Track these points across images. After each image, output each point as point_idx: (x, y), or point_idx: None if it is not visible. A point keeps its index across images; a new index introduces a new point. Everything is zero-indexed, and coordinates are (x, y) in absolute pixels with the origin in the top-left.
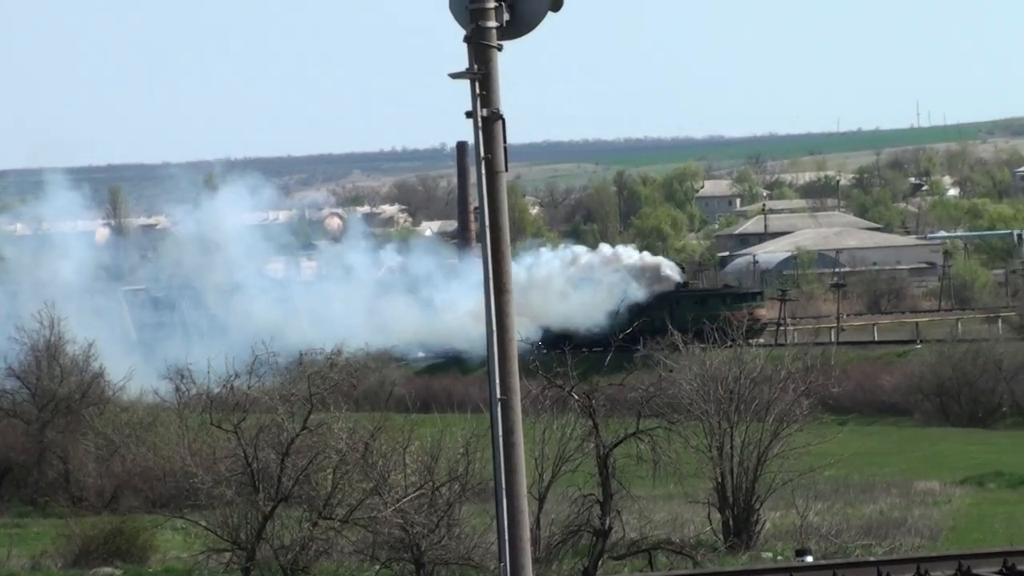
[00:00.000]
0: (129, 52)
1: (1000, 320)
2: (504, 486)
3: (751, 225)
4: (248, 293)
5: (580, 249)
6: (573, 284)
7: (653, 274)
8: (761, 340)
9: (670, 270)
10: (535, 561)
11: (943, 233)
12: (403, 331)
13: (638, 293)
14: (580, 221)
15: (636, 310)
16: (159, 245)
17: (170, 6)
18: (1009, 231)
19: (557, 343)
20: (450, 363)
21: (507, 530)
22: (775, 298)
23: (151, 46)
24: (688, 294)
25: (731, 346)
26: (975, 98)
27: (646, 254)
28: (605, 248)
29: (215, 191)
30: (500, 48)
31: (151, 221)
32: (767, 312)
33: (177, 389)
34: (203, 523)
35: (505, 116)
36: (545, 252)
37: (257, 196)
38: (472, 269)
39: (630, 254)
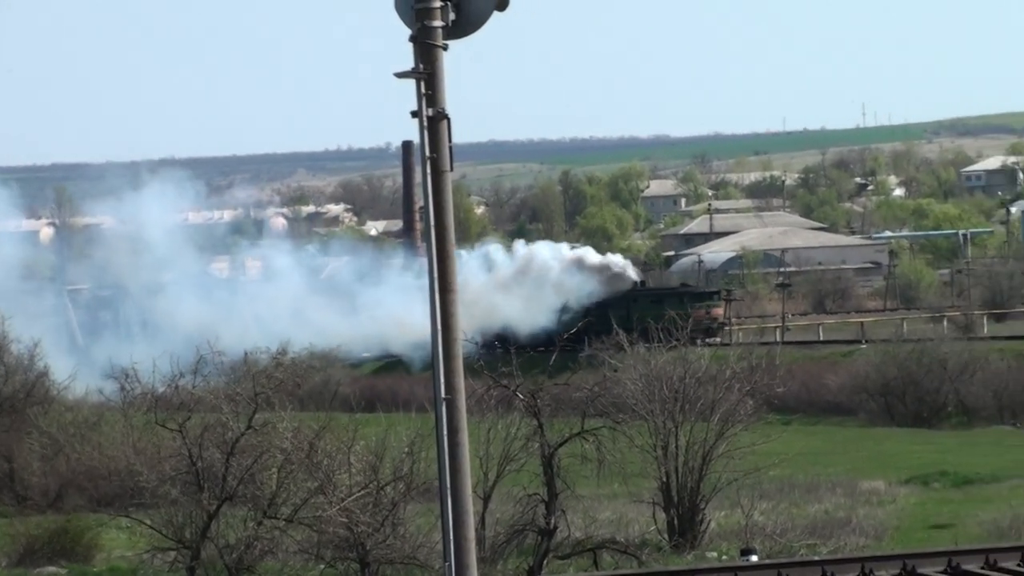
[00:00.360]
0: (73, 49)
1: (945, 320)
2: (449, 485)
3: (696, 225)
4: (191, 293)
5: (539, 246)
6: (527, 283)
7: (609, 273)
8: (718, 339)
9: (627, 269)
10: (480, 560)
11: (888, 233)
12: (340, 333)
13: (594, 292)
14: (525, 221)
15: (592, 309)
16: (102, 244)
17: (119, 4)
18: (954, 231)
19: (503, 342)
20: (395, 363)
21: (452, 529)
22: (721, 298)
23: (95, 43)
24: (645, 293)
25: (683, 345)
26: (921, 98)
27: (590, 251)
28: (563, 247)
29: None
30: (446, 48)
31: (95, 220)
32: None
33: (122, 388)
34: (148, 522)
35: (450, 115)
36: (497, 250)
37: (199, 195)
38: (393, 273)
39: (588, 253)
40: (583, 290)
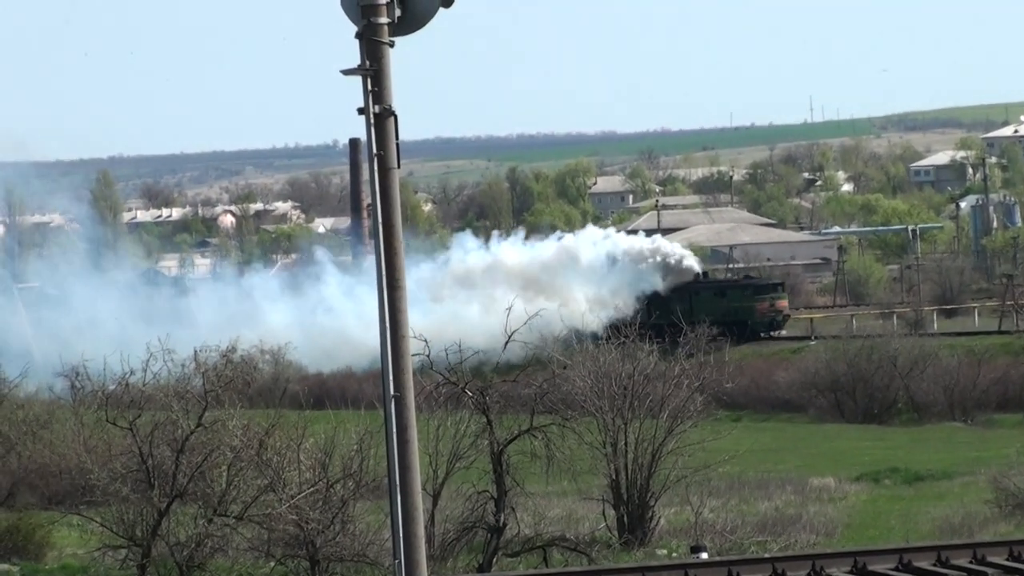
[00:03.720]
0: (18, 48)
1: (895, 316)
2: (398, 483)
3: (644, 221)
4: (141, 290)
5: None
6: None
7: (671, 264)
8: (783, 332)
9: (690, 260)
10: (430, 558)
11: (837, 229)
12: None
13: (657, 283)
14: (473, 217)
15: (653, 301)
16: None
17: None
18: (903, 227)
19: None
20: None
21: (402, 527)
22: (784, 290)
23: (39, 42)
24: (708, 285)
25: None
26: (869, 93)
27: (661, 240)
28: (632, 236)
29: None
30: (392, 44)
31: (44, 219)
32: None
33: (73, 386)
34: (99, 520)
35: (397, 112)
36: (575, 234)
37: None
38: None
39: (652, 242)
40: (645, 282)
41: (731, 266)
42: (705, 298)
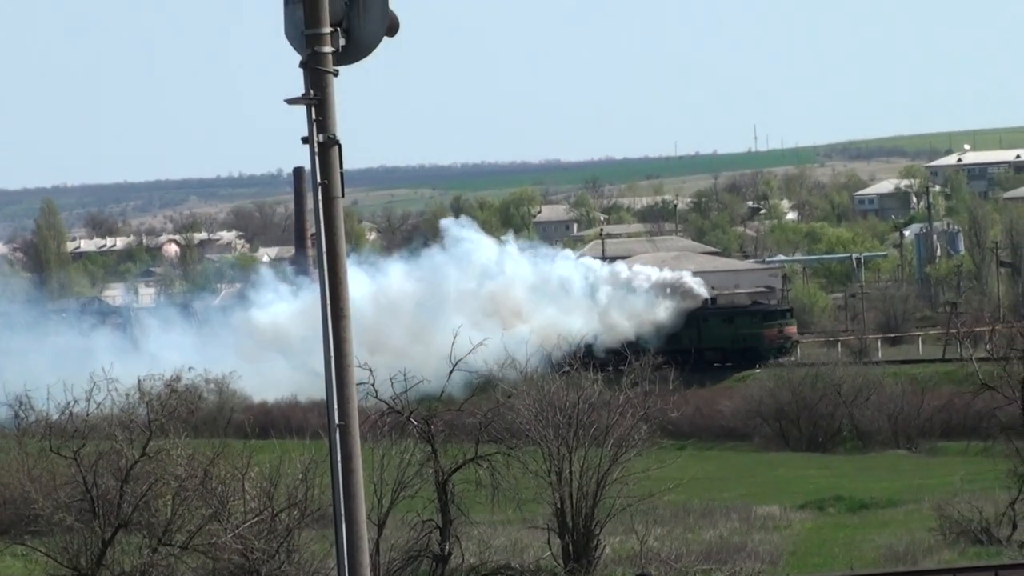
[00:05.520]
0: None
1: (839, 344)
2: (343, 512)
3: (589, 250)
4: (86, 319)
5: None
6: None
7: (679, 290)
8: (792, 358)
9: (697, 286)
10: None
11: (781, 257)
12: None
13: (665, 311)
14: (418, 246)
15: (664, 329)
16: None
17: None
18: (848, 255)
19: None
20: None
21: (346, 556)
22: (792, 316)
23: None
24: (716, 311)
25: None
26: (813, 121)
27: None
28: (633, 265)
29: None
30: (336, 73)
31: None
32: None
33: (16, 415)
34: (43, 549)
35: (342, 142)
36: (565, 260)
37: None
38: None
39: (656, 270)
40: (655, 308)
41: None
42: (713, 324)
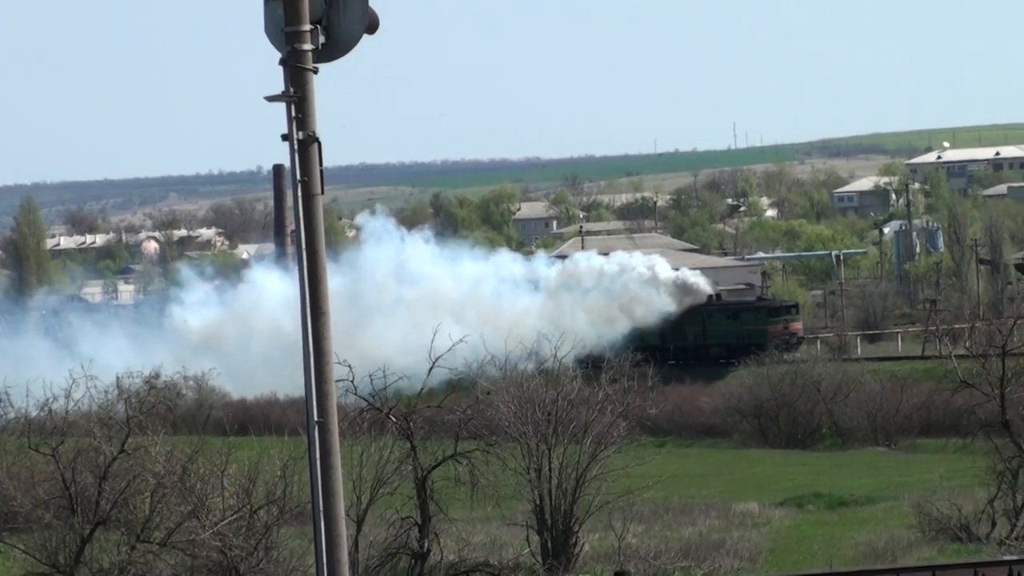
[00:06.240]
0: None
1: (818, 341)
2: (322, 509)
3: (568, 247)
4: (64, 317)
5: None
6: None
7: (683, 287)
8: (797, 354)
9: (701, 282)
10: None
11: (761, 254)
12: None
13: (669, 306)
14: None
15: (665, 324)
16: None
17: None
18: (827, 252)
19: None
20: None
21: (325, 553)
22: (799, 311)
23: None
24: (720, 307)
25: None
26: (792, 119)
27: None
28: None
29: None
30: (316, 71)
31: None
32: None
33: None
34: (21, 547)
35: (321, 139)
36: (579, 258)
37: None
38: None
39: (662, 266)
40: (656, 304)
41: None
42: (718, 320)
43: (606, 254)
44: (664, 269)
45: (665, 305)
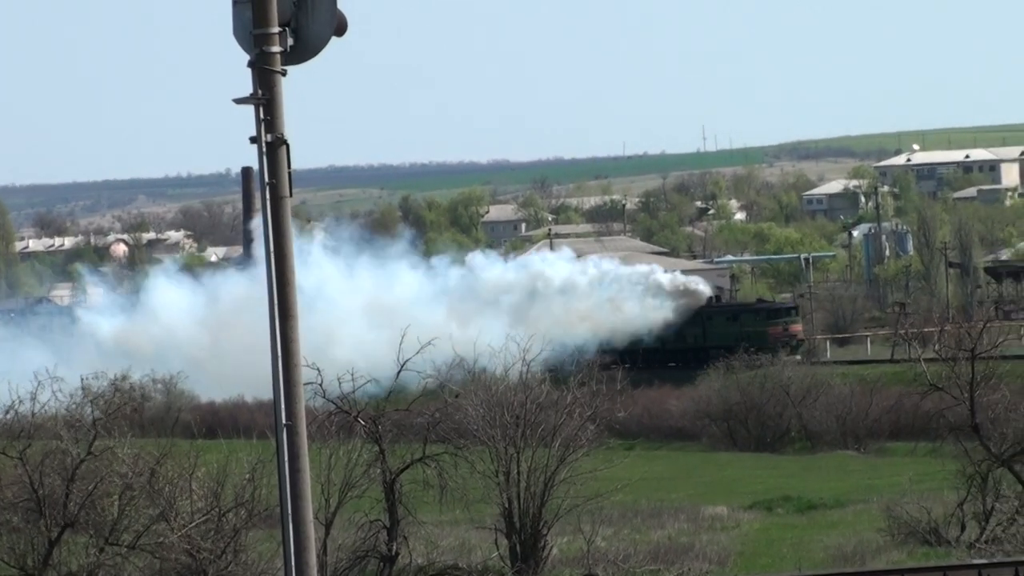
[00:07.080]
0: None
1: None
2: (290, 512)
3: (537, 249)
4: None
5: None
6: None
7: (683, 289)
8: (797, 357)
9: (701, 285)
10: None
11: (730, 257)
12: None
13: (669, 309)
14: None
15: (665, 327)
16: None
17: None
18: (796, 255)
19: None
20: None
21: (294, 556)
22: (799, 313)
23: None
24: (720, 309)
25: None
26: (761, 122)
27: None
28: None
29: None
30: (284, 73)
31: None
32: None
33: None
34: None
35: (290, 141)
36: (561, 259)
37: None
38: None
39: (658, 269)
40: (656, 308)
41: None
42: (718, 322)
43: (609, 258)
44: (664, 274)
45: (665, 310)
